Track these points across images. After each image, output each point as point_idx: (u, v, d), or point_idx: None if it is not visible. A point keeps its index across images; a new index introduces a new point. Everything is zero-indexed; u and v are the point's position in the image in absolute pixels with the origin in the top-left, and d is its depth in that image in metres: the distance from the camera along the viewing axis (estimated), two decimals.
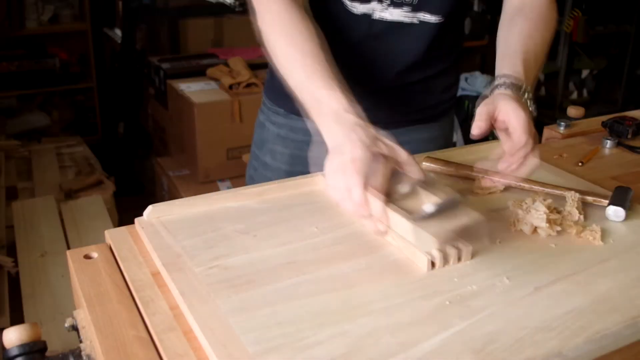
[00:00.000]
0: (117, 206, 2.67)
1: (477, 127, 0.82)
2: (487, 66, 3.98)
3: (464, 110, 3.45)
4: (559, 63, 3.92)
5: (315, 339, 0.62)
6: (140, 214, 0.85)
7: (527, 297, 0.69)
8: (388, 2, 1.02)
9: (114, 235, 0.82)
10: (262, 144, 1.25)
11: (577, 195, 0.88)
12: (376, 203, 0.74)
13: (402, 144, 0.81)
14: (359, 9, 1.03)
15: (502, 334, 0.63)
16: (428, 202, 0.75)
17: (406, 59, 1.09)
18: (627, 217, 0.86)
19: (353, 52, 1.07)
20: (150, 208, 0.84)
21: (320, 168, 0.80)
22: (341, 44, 1.01)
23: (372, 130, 0.79)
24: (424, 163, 1.02)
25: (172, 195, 2.74)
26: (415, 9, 1.04)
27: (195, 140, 2.67)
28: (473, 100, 3.43)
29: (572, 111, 1.30)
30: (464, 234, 0.75)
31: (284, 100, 1.17)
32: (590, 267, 0.75)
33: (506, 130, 0.85)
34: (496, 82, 0.89)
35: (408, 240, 0.75)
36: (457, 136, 3.50)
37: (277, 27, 0.92)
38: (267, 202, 0.91)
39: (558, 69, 3.93)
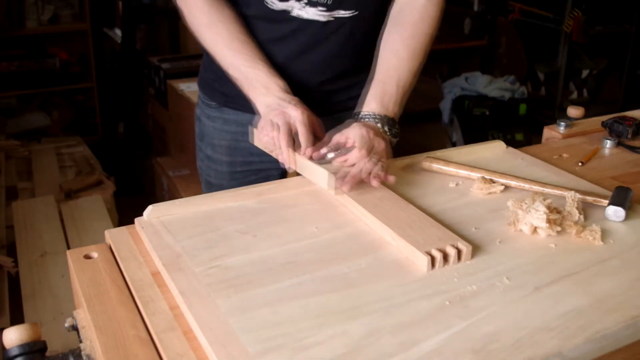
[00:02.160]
0: (117, 206, 2.67)
1: (315, 149, 0.95)
2: (487, 66, 3.98)
3: (464, 110, 3.45)
4: (559, 63, 3.91)
5: (315, 339, 0.62)
6: (140, 214, 0.85)
7: (527, 297, 0.69)
8: (305, 1, 1.05)
9: (114, 235, 0.82)
10: (202, 137, 1.29)
11: (577, 195, 0.88)
12: (284, 149, 0.95)
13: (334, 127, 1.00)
14: (277, 5, 1.06)
15: (502, 334, 0.63)
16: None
17: (323, 54, 1.12)
18: (627, 217, 0.87)
19: (273, 48, 1.11)
20: (150, 208, 0.84)
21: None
22: (262, 40, 1.09)
23: (294, 98, 1.01)
24: (424, 163, 1.02)
25: (172, 195, 2.74)
26: (330, 8, 1.07)
27: (195, 140, 2.67)
28: (473, 100, 3.43)
29: (572, 111, 1.30)
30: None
31: (216, 93, 1.23)
32: (590, 267, 0.75)
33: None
34: (358, 115, 1.03)
35: (309, 178, 0.94)
36: (457, 136, 3.50)
37: (201, 19, 1.08)
38: (267, 202, 0.91)
39: (558, 69, 3.93)
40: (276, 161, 1.22)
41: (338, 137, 0.98)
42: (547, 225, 0.82)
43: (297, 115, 0.96)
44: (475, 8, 4.01)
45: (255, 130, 1.05)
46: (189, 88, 2.77)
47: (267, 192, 0.93)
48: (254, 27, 1.10)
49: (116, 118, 3.52)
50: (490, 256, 0.77)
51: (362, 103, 1.04)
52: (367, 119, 1.01)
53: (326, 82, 1.15)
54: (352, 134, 0.96)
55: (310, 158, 0.94)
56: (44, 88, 3.52)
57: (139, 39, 3.42)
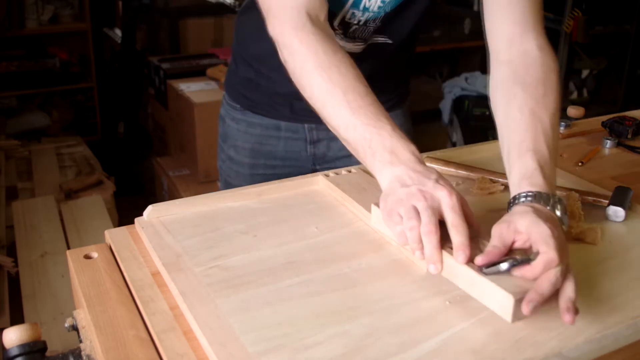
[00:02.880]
0: (117, 206, 2.67)
1: (487, 255, 0.67)
2: (487, 66, 3.98)
3: (464, 110, 3.45)
4: (559, 63, 3.91)
5: (315, 339, 0.62)
6: (140, 214, 0.85)
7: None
8: (341, 34, 1.04)
9: (114, 235, 0.82)
10: (226, 138, 1.28)
11: (577, 195, 0.88)
12: (433, 247, 0.69)
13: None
14: None
15: (502, 334, 0.63)
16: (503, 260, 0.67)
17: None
18: (627, 217, 0.86)
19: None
20: (150, 208, 0.84)
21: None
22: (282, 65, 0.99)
23: (433, 171, 0.75)
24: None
25: (172, 195, 2.74)
26: (367, 40, 1.06)
27: (195, 140, 2.67)
28: (473, 100, 3.43)
29: (572, 111, 1.30)
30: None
31: (240, 96, 1.22)
32: (590, 267, 0.75)
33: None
34: (515, 199, 0.75)
35: (469, 294, 0.69)
36: (457, 136, 3.50)
37: (311, 61, 0.83)
38: (267, 202, 0.91)
39: (558, 69, 3.93)
40: (299, 165, 1.22)
41: (509, 234, 0.70)
42: None
43: (446, 197, 0.70)
44: (475, 8, 4.01)
45: (377, 210, 0.80)
46: (189, 88, 2.77)
47: (267, 192, 0.93)
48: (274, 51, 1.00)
49: (116, 118, 3.52)
50: None
51: (520, 180, 0.77)
52: (534, 202, 0.73)
53: None
54: (527, 228, 0.68)
55: (471, 262, 0.68)
56: (44, 88, 3.52)
57: (139, 39, 3.42)
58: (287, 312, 0.66)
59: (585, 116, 1.30)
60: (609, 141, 1.18)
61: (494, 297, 0.65)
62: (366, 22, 1.03)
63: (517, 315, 0.64)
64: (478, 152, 1.09)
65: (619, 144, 1.18)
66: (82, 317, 0.71)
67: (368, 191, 0.90)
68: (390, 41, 1.08)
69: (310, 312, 0.66)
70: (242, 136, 1.24)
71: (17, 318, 1.88)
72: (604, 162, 1.12)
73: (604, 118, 1.24)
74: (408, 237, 0.70)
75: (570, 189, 0.90)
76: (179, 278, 0.71)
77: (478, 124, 3.38)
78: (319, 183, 0.96)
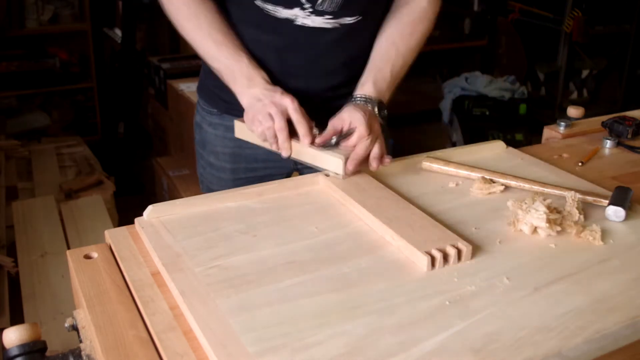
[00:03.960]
0: (117, 206, 2.67)
1: (322, 137, 0.96)
2: (487, 66, 3.98)
3: (464, 110, 3.45)
4: (559, 63, 3.91)
5: (315, 339, 0.62)
6: (140, 214, 0.85)
7: (527, 297, 0.69)
8: (310, 10, 1.05)
9: (114, 235, 0.82)
10: (204, 144, 1.27)
11: (577, 195, 0.88)
12: (284, 137, 0.96)
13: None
14: (282, 13, 1.05)
15: (502, 334, 0.63)
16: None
17: (332, 60, 1.12)
18: (627, 217, 0.87)
19: (280, 57, 1.10)
20: (150, 208, 0.84)
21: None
22: (266, 49, 1.09)
23: (278, 88, 1.01)
24: (424, 163, 1.02)
25: (172, 195, 2.74)
26: (336, 16, 1.06)
27: (196, 148, 2.67)
28: (473, 100, 3.43)
29: (572, 111, 1.30)
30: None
31: (217, 101, 1.21)
32: (590, 267, 0.75)
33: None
34: (352, 98, 1.05)
35: (315, 166, 0.97)
36: (457, 136, 3.50)
37: (182, 11, 1.08)
38: (267, 202, 0.91)
39: (558, 69, 3.93)
40: (280, 166, 1.23)
41: (335, 122, 0.98)
42: (547, 225, 0.82)
43: (289, 103, 0.97)
44: (475, 8, 4.01)
45: (240, 122, 1.05)
46: (189, 88, 2.77)
47: (267, 192, 0.93)
48: (258, 37, 1.09)
49: (116, 118, 3.52)
50: (490, 256, 0.77)
51: (357, 88, 1.06)
52: (360, 102, 1.03)
53: (336, 87, 1.14)
54: (349, 117, 0.97)
55: (312, 144, 0.95)
56: (44, 88, 3.52)
57: (139, 39, 3.42)
58: (287, 312, 0.66)
59: (585, 116, 1.30)
60: (609, 141, 1.18)
61: (330, 161, 0.94)
62: None
63: (346, 171, 0.93)
64: (478, 152, 1.09)
65: (619, 144, 1.18)
66: (82, 317, 0.71)
67: (368, 191, 0.90)
68: (360, 17, 1.09)
69: (310, 312, 0.66)
70: (220, 141, 1.22)
71: (17, 318, 1.88)
72: (604, 162, 1.12)
73: (604, 118, 1.24)
74: (266, 135, 0.98)
75: (570, 189, 0.90)
76: (179, 278, 0.71)
77: (478, 124, 3.38)
78: (319, 183, 0.96)
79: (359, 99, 1.04)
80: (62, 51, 3.56)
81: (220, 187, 1.23)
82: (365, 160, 0.95)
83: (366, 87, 1.05)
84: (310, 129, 0.97)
